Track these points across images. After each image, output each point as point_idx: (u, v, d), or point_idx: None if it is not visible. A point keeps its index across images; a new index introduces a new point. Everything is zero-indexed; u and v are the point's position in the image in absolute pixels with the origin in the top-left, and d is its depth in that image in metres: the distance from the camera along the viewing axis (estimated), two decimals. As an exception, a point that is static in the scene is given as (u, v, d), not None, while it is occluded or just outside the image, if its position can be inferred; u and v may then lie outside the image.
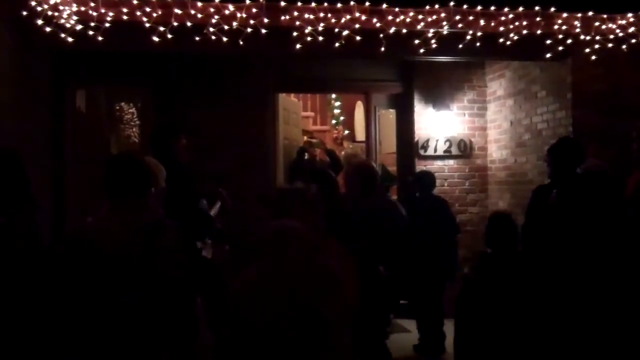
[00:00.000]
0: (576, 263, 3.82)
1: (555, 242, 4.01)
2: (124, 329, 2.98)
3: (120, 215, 3.13)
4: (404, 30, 6.57)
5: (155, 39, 6.07)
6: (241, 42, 6.21)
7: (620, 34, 6.99)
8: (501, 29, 6.78)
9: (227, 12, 6.22)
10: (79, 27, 5.99)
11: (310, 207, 3.24)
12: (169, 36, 6.08)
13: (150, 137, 5.79)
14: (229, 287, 2.97)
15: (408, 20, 6.58)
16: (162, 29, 6.06)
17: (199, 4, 6.16)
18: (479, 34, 6.72)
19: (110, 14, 6.03)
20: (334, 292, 2.91)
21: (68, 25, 5.96)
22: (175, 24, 6.09)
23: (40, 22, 5.76)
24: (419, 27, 6.61)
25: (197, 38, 6.17)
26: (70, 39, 5.98)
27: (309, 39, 6.38)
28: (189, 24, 6.14)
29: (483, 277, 4.21)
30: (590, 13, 6.95)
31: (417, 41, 6.64)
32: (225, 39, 6.19)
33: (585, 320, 3.78)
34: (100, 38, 6.00)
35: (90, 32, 6.00)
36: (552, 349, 3.92)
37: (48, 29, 5.85)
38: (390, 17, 6.54)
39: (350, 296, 3.00)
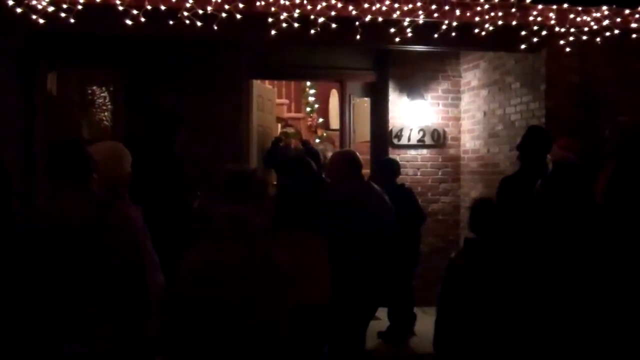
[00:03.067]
0: (562, 252, 3.86)
1: (543, 230, 4.04)
2: (74, 303, 3.00)
3: (65, 196, 3.14)
4: (380, 19, 6.55)
5: (129, 22, 6.00)
6: (215, 27, 6.16)
7: (595, 27, 7.02)
8: (477, 19, 6.78)
9: (201, -4, 6.16)
10: (50, 8, 5.90)
11: (258, 191, 3.25)
12: (143, 20, 6.00)
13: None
14: (174, 270, 3.00)
15: (384, 8, 6.55)
16: (135, 12, 5.99)
17: (174, -12, 6.10)
18: (455, 24, 6.72)
19: (83, -5, 5.95)
20: (275, 285, 2.92)
21: (40, 7, 5.88)
22: (149, 7, 6.02)
23: (10, 2, 5.69)
24: (394, 15, 6.59)
25: (171, 22, 6.10)
26: (41, 21, 5.90)
27: (284, 25, 6.33)
28: (162, 7, 6.06)
29: (468, 262, 4.23)
30: (566, 5, 6.98)
31: (392, 30, 6.63)
32: (199, 24, 6.13)
33: (571, 307, 3.82)
34: (72, 20, 5.91)
35: (63, 14, 5.91)
36: (536, 336, 3.95)
37: (19, 10, 5.77)
38: (366, 5, 6.52)
39: (296, 291, 3.03)
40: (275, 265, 2.97)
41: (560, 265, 3.87)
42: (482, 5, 6.78)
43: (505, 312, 4.07)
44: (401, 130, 8.81)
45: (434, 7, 6.65)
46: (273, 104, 10.78)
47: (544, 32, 6.93)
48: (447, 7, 6.70)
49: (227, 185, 3.25)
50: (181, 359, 3.04)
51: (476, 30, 6.81)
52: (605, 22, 7.03)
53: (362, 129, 10.25)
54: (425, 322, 7.39)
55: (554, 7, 6.97)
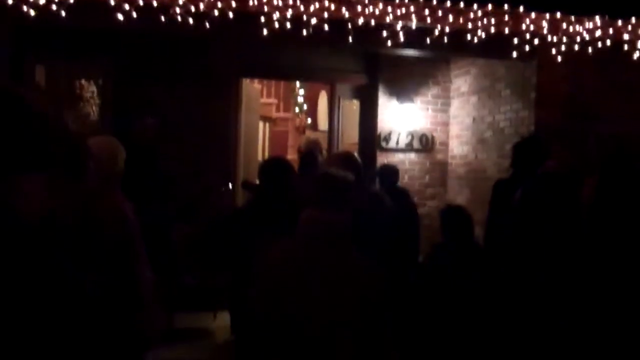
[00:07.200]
0: (535, 260, 3.88)
1: (517, 240, 4.06)
2: (65, 301, 2.97)
3: (52, 187, 3.09)
4: (373, 22, 6.54)
5: (120, 17, 5.96)
6: (208, 25, 6.13)
7: (587, 37, 7.05)
8: (469, 26, 6.79)
9: (194, -7, 6.12)
10: (42, 1, 5.86)
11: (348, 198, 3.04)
12: (134, 15, 5.97)
13: (116, 115, 5.85)
14: (256, 268, 2.86)
15: (377, 12, 6.55)
16: (127, 7, 5.95)
17: (167, -16, 6.06)
18: (447, 30, 6.72)
19: (75, -11, 5.90)
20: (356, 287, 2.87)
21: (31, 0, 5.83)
22: (141, 2, 5.99)
23: (1, -7, 5.63)
24: (387, 19, 6.59)
25: (163, 18, 6.07)
26: (32, 13, 5.85)
27: (277, 25, 6.31)
28: (155, 3, 6.03)
29: (435, 266, 4.27)
30: (559, 15, 7.01)
31: (385, 34, 6.62)
32: (191, 21, 6.10)
33: (540, 312, 3.83)
34: (63, 14, 5.87)
35: (54, 7, 5.87)
36: (499, 339, 3.98)
37: (10, 2, 5.72)
38: (359, 8, 6.51)
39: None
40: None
41: (529, 272, 3.91)
42: (475, 12, 6.79)
43: (467, 314, 4.10)
44: (390, 133, 8.81)
45: (427, 12, 6.65)
46: (258, 103, 10.75)
47: (536, 41, 6.95)
48: (440, 13, 6.70)
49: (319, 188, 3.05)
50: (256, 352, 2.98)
51: (468, 37, 6.82)
52: (598, 33, 7.06)
53: (350, 131, 10.22)
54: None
55: (547, 16, 7.00)
